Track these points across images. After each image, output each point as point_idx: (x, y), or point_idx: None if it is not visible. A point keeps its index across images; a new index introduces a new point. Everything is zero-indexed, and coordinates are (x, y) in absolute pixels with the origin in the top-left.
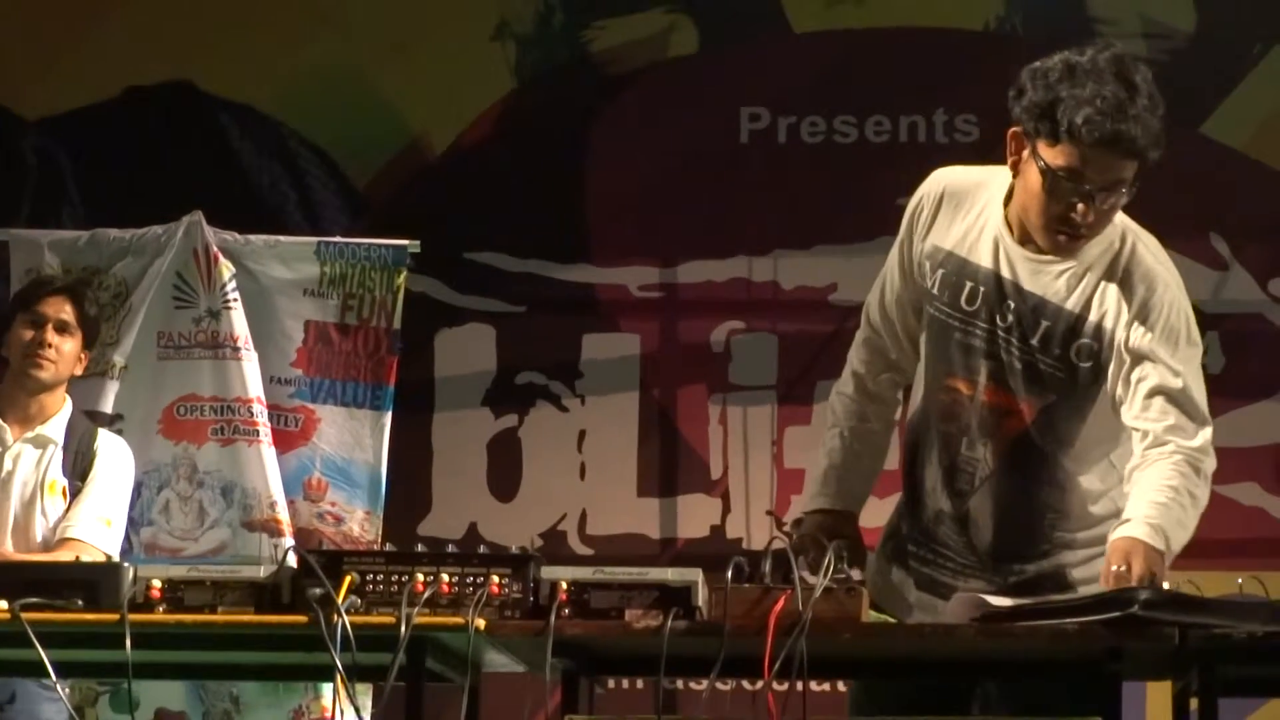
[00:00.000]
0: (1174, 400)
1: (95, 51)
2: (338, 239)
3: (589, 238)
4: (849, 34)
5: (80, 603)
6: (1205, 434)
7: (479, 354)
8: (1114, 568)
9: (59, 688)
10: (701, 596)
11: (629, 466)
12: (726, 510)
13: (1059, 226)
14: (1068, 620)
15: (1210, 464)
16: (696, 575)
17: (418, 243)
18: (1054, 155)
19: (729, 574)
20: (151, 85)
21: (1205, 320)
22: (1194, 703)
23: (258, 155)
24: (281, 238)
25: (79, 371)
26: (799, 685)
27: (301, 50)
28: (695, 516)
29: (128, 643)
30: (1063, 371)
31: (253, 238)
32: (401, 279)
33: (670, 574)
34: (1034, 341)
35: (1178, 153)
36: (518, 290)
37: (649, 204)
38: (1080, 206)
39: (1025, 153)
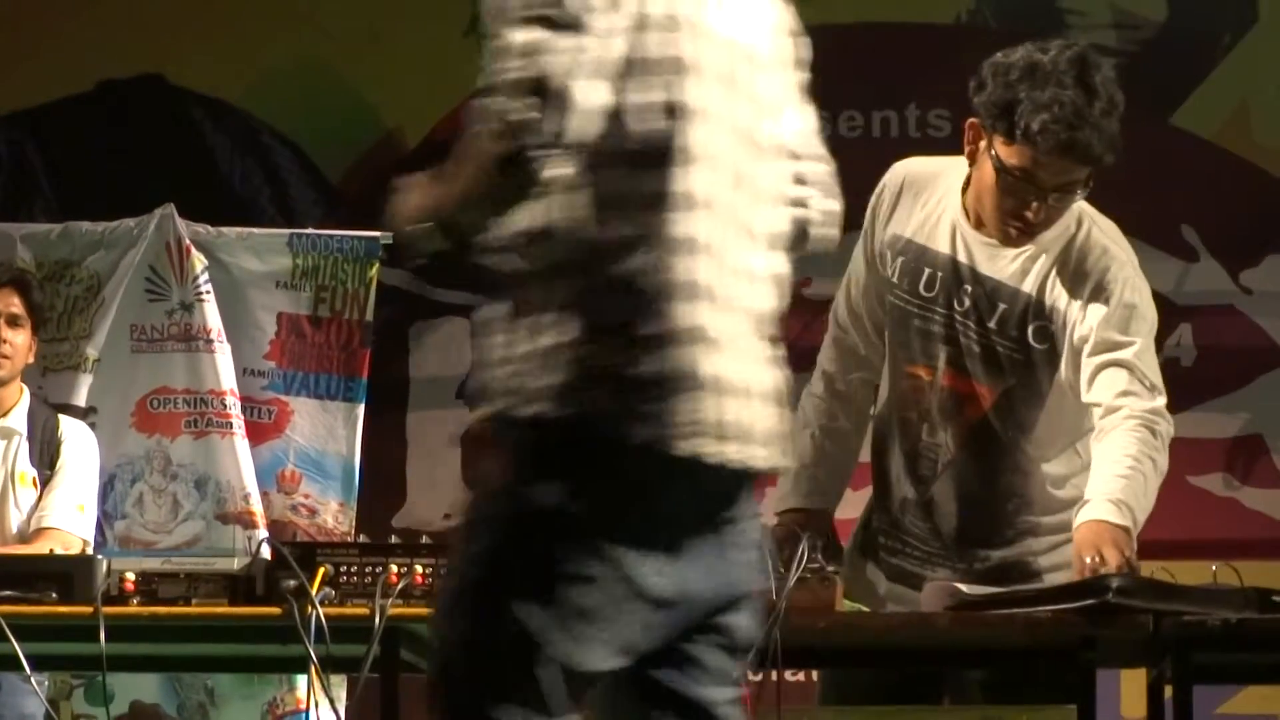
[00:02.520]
0: (1124, 367)
1: (67, 45)
2: (310, 231)
3: None
4: (821, 29)
5: (54, 595)
6: (1159, 401)
7: (453, 347)
8: (1086, 559)
9: (34, 681)
10: None
11: None
12: None
13: (1011, 221)
14: (1042, 608)
15: (1167, 428)
16: None
17: (390, 235)
18: (1009, 154)
19: None
20: (124, 79)
21: (1177, 312)
22: (1168, 690)
23: (230, 148)
24: (254, 230)
25: (32, 360)
26: (774, 675)
27: (274, 44)
28: None
29: (102, 635)
30: (1020, 354)
31: (225, 230)
32: (374, 271)
33: None
34: (991, 324)
35: (1148, 144)
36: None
37: None
38: (1033, 205)
39: (982, 144)
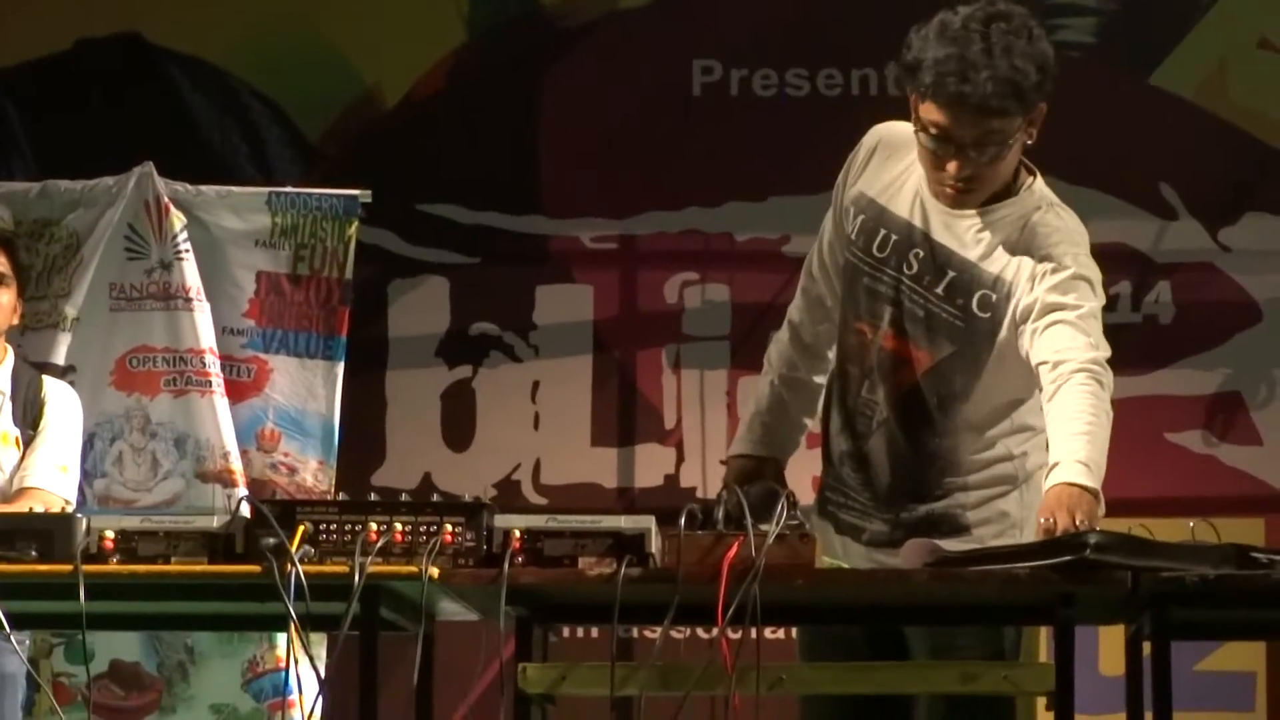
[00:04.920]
0: (1069, 324)
1: (44, 4)
2: (289, 189)
3: (541, 189)
4: None
5: (34, 554)
6: (1100, 354)
7: (432, 305)
8: (1041, 520)
9: (14, 639)
10: (655, 544)
11: (583, 417)
12: (680, 460)
13: (940, 179)
14: (1020, 565)
15: (1109, 381)
16: (649, 522)
17: (369, 193)
18: (925, 112)
19: (682, 521)
20: (101, 37)
21: (1155, 269)
22: (1147, 646)
23: (208, 107)
24: (233, 188)
25: (16, 321)
26: (753, 632)
27: (252, 1)
28: (649, 466)
29: (81, 594)
30: (962, 321)
31: (204, 188)
32: (353, 229)
33: (623, 521)
34: (938, 290)
35: (1127, 103)
36: (471, 241)
37: (601, 156)
38: (952, 163)
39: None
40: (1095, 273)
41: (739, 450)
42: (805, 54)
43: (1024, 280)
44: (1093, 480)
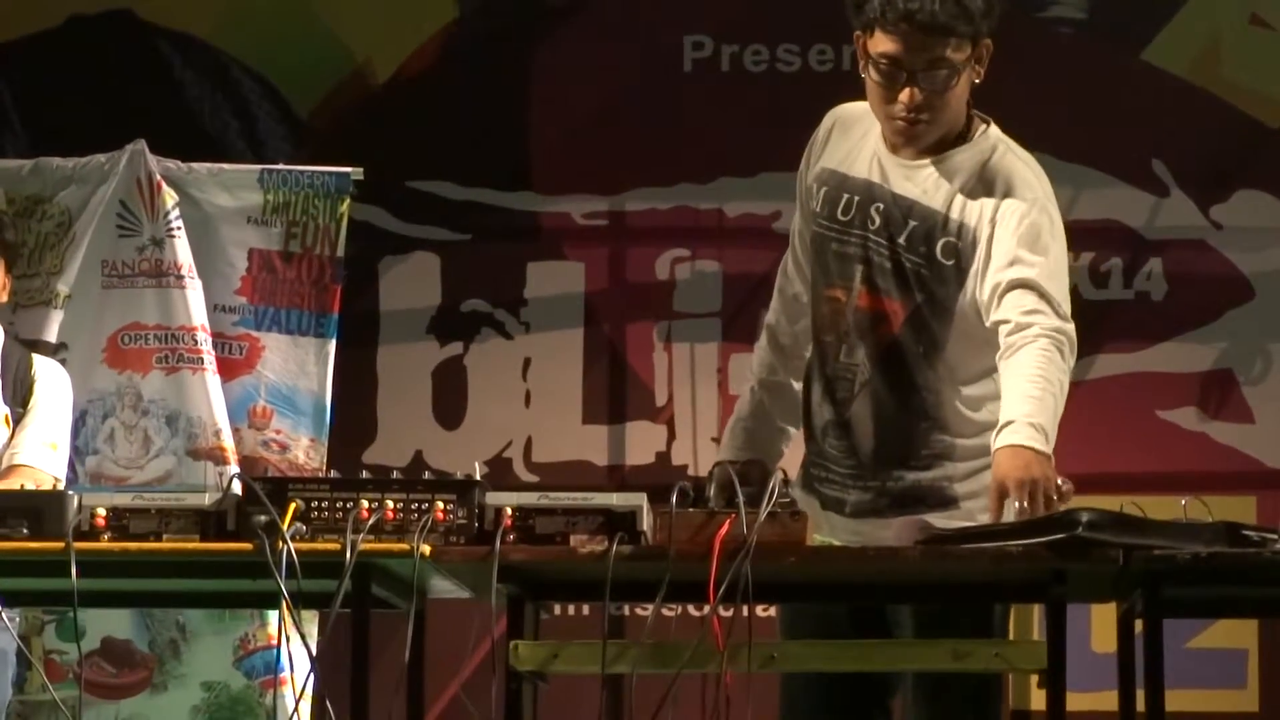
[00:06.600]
0: (1031, 288)
1: None
2: (281, 166)
3: (533, 166)
4: None
5: (25, 531)
6: (1067, 326)
7: (423, 282)
8: (1015, 504)
9: (5, 616)
10: (646, 521)
11: (574, 394)
12: (672, 437)
13: (894, 114)
14: (1012, 543)
15: (1071, 354)
16: (641, 500)
17: (361, 170)
18: (874, 45)
19: (673, 499)
20: (93, 14)
21: (1147, 246)
22: (1139, 624)
23: (200, 84)
24: (224, 165)
25: (5, 298)
26: (744, 609)
27: None
28: (641, 443)
29: (73, 571)
30: (928, 269)
31: (195, 166)
32: (345, 207)
33: (615, 499)
34: (901, 240)
35: (1119, 79)
36: (462, 218)
37: (592, 132)
38: (905, 92)
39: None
40: (1055, 219)
41: (723, 457)
42: (797, 29)
43: (986, 223)
44: (1041, 443)
